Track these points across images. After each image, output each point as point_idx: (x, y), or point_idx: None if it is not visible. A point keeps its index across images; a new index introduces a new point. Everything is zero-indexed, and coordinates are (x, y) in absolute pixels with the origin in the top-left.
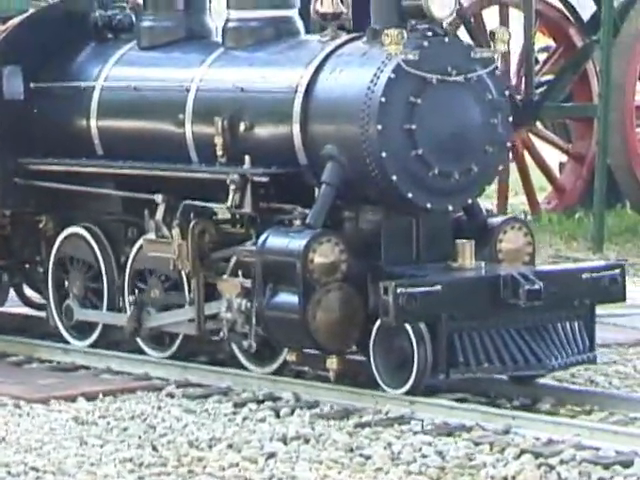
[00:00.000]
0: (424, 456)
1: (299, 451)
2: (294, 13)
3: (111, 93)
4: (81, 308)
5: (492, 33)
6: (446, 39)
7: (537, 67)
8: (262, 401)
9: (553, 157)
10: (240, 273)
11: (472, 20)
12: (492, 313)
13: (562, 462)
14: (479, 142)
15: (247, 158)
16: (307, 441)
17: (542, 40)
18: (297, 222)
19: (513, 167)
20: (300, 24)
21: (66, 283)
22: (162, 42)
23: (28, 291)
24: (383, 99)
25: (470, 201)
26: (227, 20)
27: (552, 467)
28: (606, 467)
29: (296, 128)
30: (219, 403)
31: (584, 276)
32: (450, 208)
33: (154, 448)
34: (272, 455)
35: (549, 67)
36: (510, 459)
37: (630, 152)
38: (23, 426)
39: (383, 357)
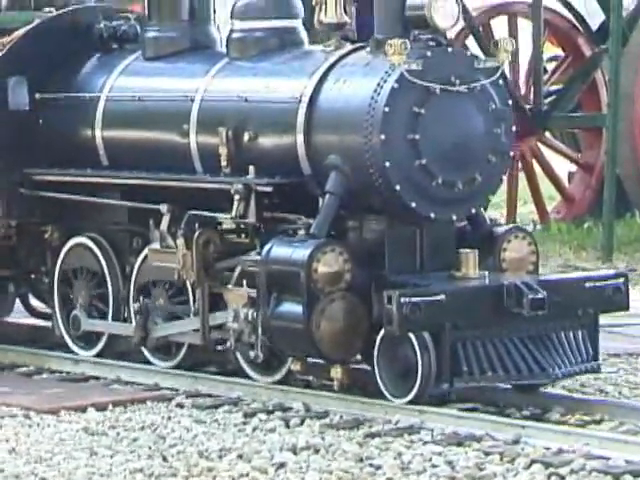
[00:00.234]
0: (434, 466)
1: (309, 461)
2: (298, 23)
3: (116, 103)
4: (88, 318)
5: (495, 43)
6: (449, 49)
7: (546, 76)
8: (272, 411)
9: (562, 167)
10: (245, 283)
11: (481, 30)
12: (496, 322)
13: (572, 472)
14: (482, 152)
15: (251, 168)
16: (317, 451)
17: (551, 49)
18: (301, 232)
19: (522, 176)
20: (304, 34)
21: (71, 293)
22: (167, 52)
23: (34, 301)
24: (387, 109)
25: (474, 210)
26: (231, 30)
27: (562, 477)
28: (616, 477)
29: (300, 138)
30: (229, 413)
31: (588, 285)
32: (454, 217)
33: (164, 458)
34: (282, 465)
35: (558, 76)
36: (520, 469)
37: (639, 162)
38: (33, 437)
39: (387, 366)
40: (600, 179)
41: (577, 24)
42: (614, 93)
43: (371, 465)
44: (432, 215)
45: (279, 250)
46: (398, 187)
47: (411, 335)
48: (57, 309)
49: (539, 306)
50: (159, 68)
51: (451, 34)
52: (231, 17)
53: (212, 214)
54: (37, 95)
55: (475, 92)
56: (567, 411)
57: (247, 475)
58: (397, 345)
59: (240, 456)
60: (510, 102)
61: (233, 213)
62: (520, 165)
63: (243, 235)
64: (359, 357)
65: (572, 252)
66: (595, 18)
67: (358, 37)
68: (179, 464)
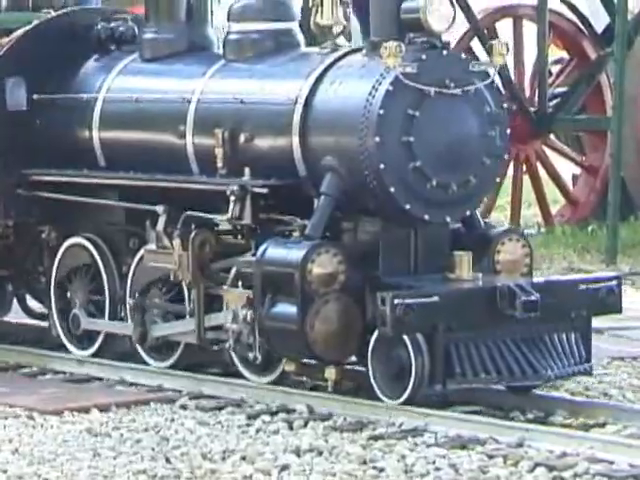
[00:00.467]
0: (438, 469)
1: (312, 463)
2: (294, 26)
3: (113, 105)
4: (88, 317)
5: (490, 46)
6: (444, 52)
7: (551, 79)
8: (275, 413)
9: (566, 169)
10: (240, 284)
11: (486, 32)
12: (489, 324)
13: (576, 475)
14: (477, 154)
15: (247, 170)
16: (320, 453)
17: (556, 52)
18: (296, 233)
19: (526, 179)
20: (300, 36)
21: (68, 293)
22: (164, 54)
23: (30, 302)
24: (381, 111)
25: (468, 213)
26: (228, 32)
27: None
28: None
29: (295, 140)
30: (232, 415)
31: (581, 287)
32: (448, 219)
33: (167, 460)
34: (285, 467)
35: (563, 79)
36: (524, 472)
37: None
38: (36, 437)
39: (381, 367)
40: (604, 182)
41: (582, 27)
42: (619, 96)
43: (374, 467)
44: (426, 217)
45: (274, 251)
46: (393, 189)
47: (404, 336)
48: (54, 309)
49: (532, 308)
50: (156, 69)
51: (456, 36)
52: (228, 19)
53: (208, 215)
54: (35, 96)
55: (469, 95)
56: (571, 414)
57: (250, 477)
58: (391, 346)
59: (243, 458)
60: (505, 105)
61: (229, 214)
62: (524, 168)
63: (239, 236)
64: (354, 358)
65: (576, 255)
66: (600, 21)
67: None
68: (182, 466)
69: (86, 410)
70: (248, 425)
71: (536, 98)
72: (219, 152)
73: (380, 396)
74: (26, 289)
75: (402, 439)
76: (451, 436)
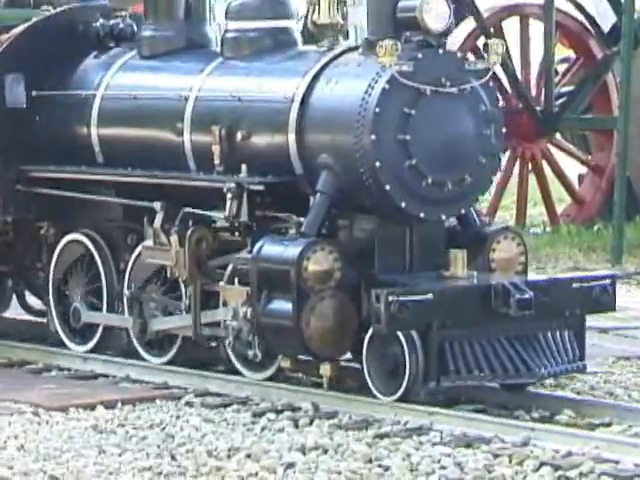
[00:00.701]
0: (443, 467)
1: (318, 461)
2: (292, 24)
3: (112, 102)
4: (88, 311)
5: (486, 45)
6: (440, 50)
7: (557, 78)
8: (281, 411)
9: (572, 169)
10: (236, 281)
11: (492, 31)
12: (483, 322)
13: (581, 475)
14: (472, 153)
15: (244, 167)
16: (326, 451)
17: (562, 51)
18: (292, 230)
19: (532, 178)
20: (297, 35)
21: (67, 289)
22: (162, 51)
23: (29, 298)
24: (377, 109)
25: (463, 211)
26: (226, 30)
27: None
28: None
29: (292, 137)
30: (238, 413)
31: (575, 286)
32: (443, 217)
33: (173, 457)
34: (291, 465)
35: (569, 78)
36: (529, 471)
37: None
38: (42, 434)
39: (375, 364)
40: (610, 181)
41: (589, 26)
42: (625, 95)
43: (380, 466)
44: (422, 215)
45: (270, 248)
46: (388, 187)
47: (399, 334)
48: (52, 304)
49: (526, 306)
50: (154, 67)
51: (462, 35)
52: (225, 17)
53: (205, 212)
54: (34, 92)
55: (465, 93)
56: (576, 414)
57: (256, 475)
58: (385, 343)
59: (249, 456)
60: (500, 104)
61: (226, 212)
62: (530, 167)
63: (236, 233)
64: (349, 355)
65: (582, 254)
66: (607, 20)
67: None
68: (188, 463)
69: (92, 407)
70: (253, 423)
71: (542, 97)
72: (216, 149)
73: (375, 392)
74: (25, 285)
75: (407, 437)
76: (456, 435)
